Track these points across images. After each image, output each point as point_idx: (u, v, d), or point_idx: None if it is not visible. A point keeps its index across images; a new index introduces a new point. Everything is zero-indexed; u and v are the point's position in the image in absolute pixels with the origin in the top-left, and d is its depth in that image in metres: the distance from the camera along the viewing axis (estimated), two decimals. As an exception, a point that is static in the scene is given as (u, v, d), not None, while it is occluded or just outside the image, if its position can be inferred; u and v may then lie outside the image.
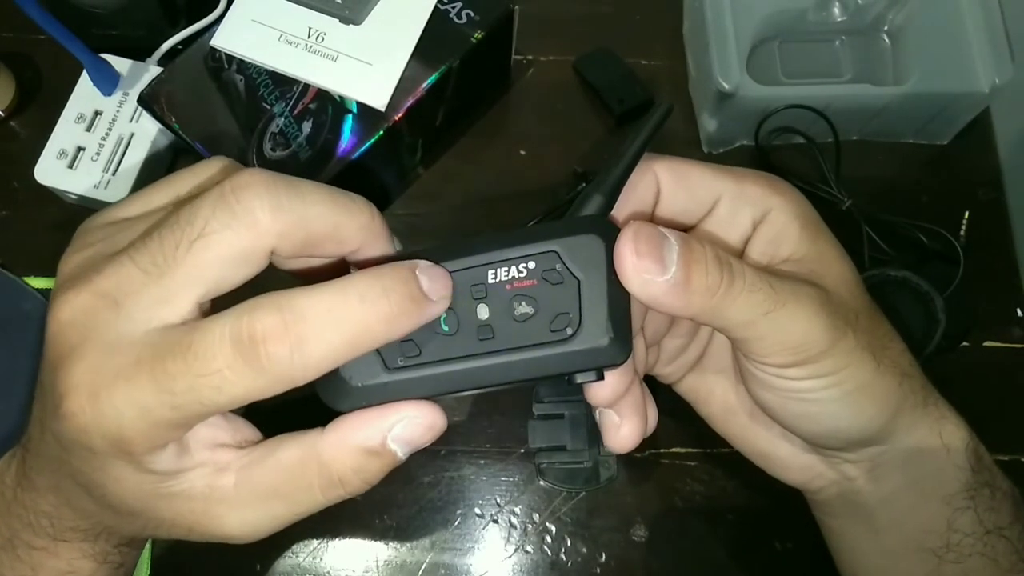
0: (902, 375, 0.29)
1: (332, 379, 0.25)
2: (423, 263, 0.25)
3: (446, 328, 0.25)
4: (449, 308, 0.25)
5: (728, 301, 0.26)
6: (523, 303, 0.25)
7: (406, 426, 0.25)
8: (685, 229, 0.30)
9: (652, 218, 0.30)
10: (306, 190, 0.25)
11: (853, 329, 0.28)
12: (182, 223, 0.23)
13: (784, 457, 0.33)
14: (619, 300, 0.26)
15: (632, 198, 0.28)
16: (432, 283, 0.24)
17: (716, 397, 0.34)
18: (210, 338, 0.22)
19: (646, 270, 0.25)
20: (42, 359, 0.25)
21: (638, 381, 0.30)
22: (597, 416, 0.30)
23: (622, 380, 0.28)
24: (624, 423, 0.29)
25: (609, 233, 0.26)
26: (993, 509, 0.30)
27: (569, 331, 0.25)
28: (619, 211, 0.28)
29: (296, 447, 0.25)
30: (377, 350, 0.25)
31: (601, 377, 0.26)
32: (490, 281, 0.25)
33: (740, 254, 0.30)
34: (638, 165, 0.28)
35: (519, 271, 0.25)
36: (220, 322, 0.22)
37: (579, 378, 0.26)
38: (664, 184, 0.29)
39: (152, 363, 0.22)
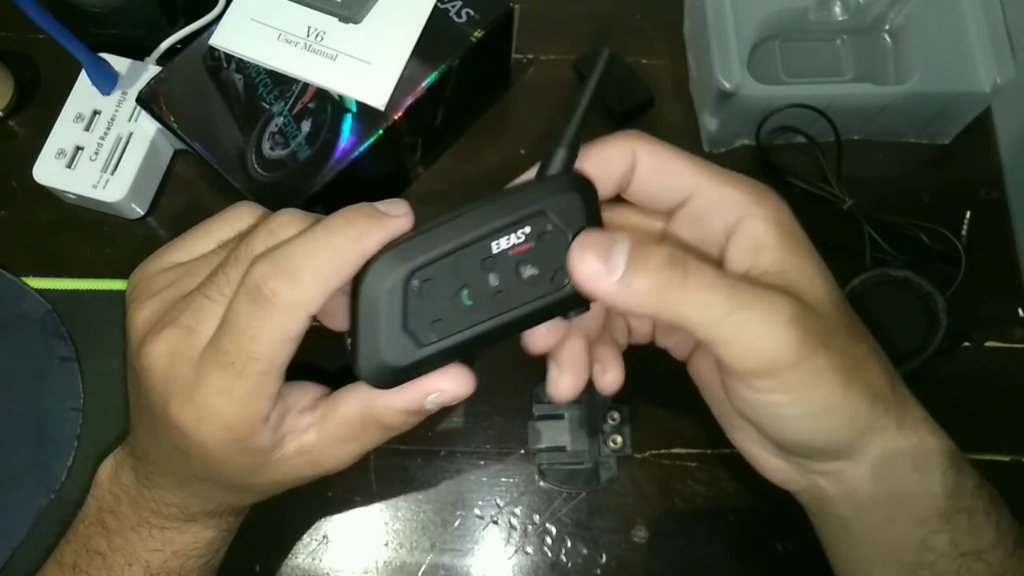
0: (874, 397, 0.29)
1: (374, 364, 0.29)
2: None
3: (468, 302, 0.29)
4: (467, 283, 0.28)
5: (682, 299, 0.27)
6: (528, 266, 0.29)
7: (439, 397, 0.30)
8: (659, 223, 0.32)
9: (624, 196, 0.31)
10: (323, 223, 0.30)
11: (825, 348, 0.28)
12: (241, 259, 0.29)
13: (759, 457, 0.34)
14: None
15: (604, 168, 0.30)
16: (387, 205, 0.29)
17: (713, 385, 0.34)
18: (234, 307, 0.28)
19: (595, 274, 0.27)
20: (139, 388, 0.31)
21: (577, 338, 0.32)
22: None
23: (552, 334, 0.31)
24: (563, 375, 0.32)
25: (582, 187, 0.29)
26: (972, 533, 0.30)
27: (566, 280, 0.29)
28: (590, 173, 0.30)
29: (354, 403, 0.31)
30: (409, 330, 0.28)
31: (587, 308, 0.30)
32: (495, 251, 0.28)
33: (720, 254, 0.30)
34: (617, 140, 0.30)
35: (518, 237, 0.28)
36: (237, 292, 0.28)
37: (572, 314, 0.30)
38: (641, 165, 0.30)
39: (214, 354, 0.28)
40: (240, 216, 0.33)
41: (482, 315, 0.29)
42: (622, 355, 0.34)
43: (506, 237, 0.28)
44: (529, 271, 0.29)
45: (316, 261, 0.28)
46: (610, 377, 0.33)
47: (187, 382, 0.28)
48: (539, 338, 0.31)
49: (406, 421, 0.31)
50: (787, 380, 0.27)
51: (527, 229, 0.28)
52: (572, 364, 0.32)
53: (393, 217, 0.29)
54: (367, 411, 0.31)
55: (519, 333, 0.30)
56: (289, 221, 0.30)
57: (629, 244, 0.27)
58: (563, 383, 0.31)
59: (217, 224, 0.33)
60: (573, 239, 0.28)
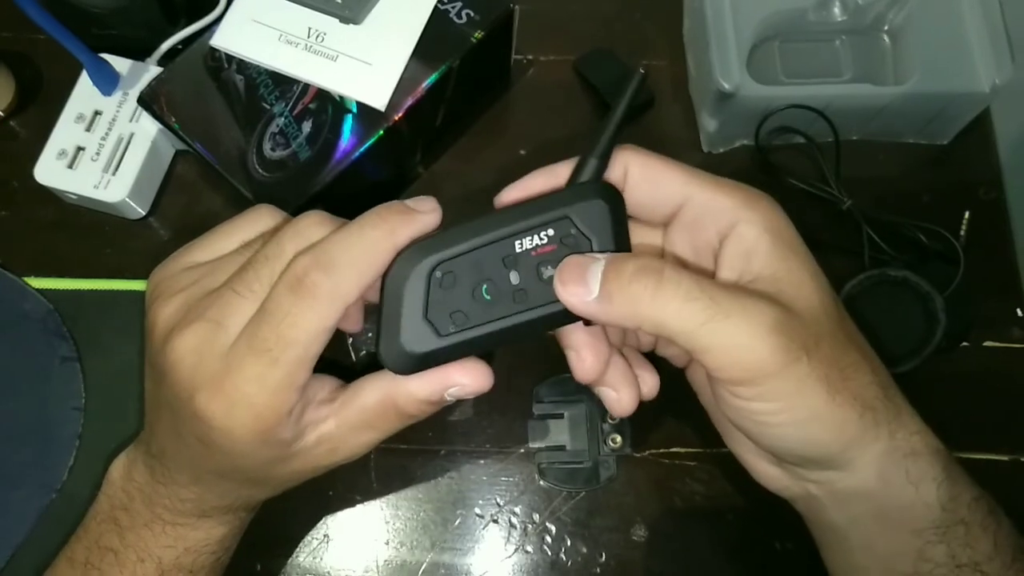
0: (863, 408, 0.29)
1: (394, 349, 0.30)
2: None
3: (488, 297, 0.30)
4: (488, 279, 0.30)
5: (657, 309, 0.27)
6: (548, 267, 0.29)
7: (459, 390, 0.31)
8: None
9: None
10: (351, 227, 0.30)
11: (809, 356, 0.27)
12: (271, 257, 0.30)
13: (754, 464, 0.34)
14: (624, 251, 0.30)
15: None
16: (417, 202, 0.31)
17: (708, 392, 0.34)
18: (273, 297, 0.29)
19: (573, 294, 0.29)
20: (161, 384, 0.31)
21: (616, 356, 0.33)
22: (598, 392, 0.33)
23: (599, 359, 0.31)
24: (621, 394, 0.32)
25: (609, 195, 0.30)
26: (969, 545, 0.29)
27: None
28: None
29: (375, 392, 0.32)
30: (430, 320, 0.30)
31: None
32: (518, 250, 0.30)
33: (713, 262, 0.31)
34: (611, 153, 0.31)
35: (541, 239, 0.29)
36: (277, 284, 0.29)
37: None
38: (631, 175, 0.31)
39: (249, 342, 0.29)
40: (261, 218, 0.34)
41: (500, 311, 0.30)
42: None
43: (529, 237, 0.29)
44: (550, 272, 0.29)
45: (353, 254, 0.29)
46: (651, 380, 0.34)
47: (216, 374, 0.29)
48: (589, 367, 0.31)
49: (424, 410, 0.32)
50: (770, 388, 0.28)
51: (551, 232, 0.29)
52: (624, 381, 0.33)
53: (423, 213, 0.30)
54: (387, 399, 0.31)
55: (536, 334, 0.30)
56: (317, 222, 0.31)
57: (604, 262, 0.28)
58: (626, 401, 0.32)
59: (238, 225, 0.34)
60: (593, 246, 0.29)
